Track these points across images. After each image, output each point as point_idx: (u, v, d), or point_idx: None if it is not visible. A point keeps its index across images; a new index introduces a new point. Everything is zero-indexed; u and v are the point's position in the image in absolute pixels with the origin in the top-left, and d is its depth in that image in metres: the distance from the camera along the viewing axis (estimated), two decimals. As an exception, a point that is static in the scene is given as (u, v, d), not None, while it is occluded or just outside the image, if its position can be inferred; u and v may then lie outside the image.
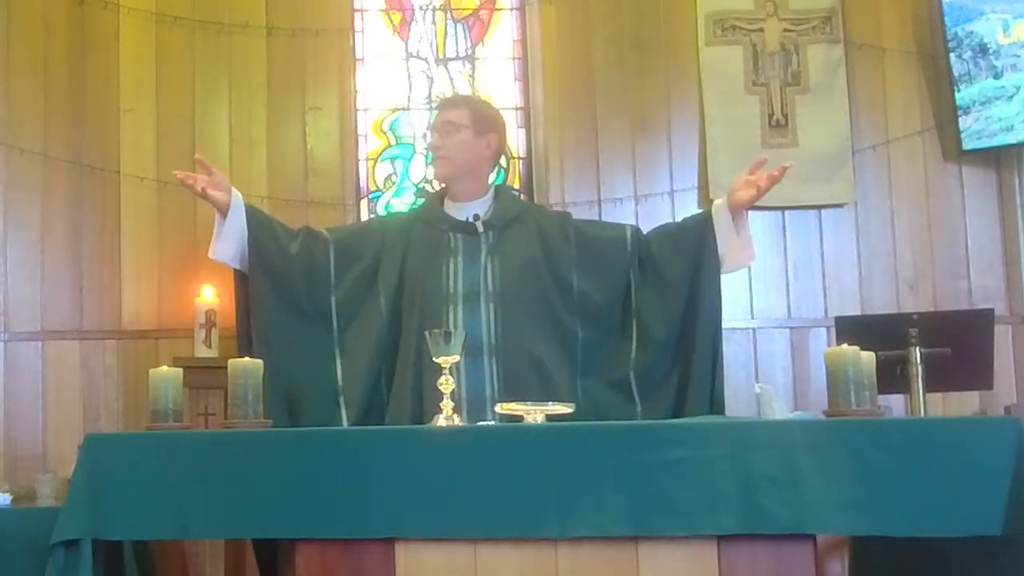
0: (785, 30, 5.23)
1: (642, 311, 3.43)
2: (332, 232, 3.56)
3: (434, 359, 2.94)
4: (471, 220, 3.47)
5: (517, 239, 3.48)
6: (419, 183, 5.21)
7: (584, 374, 3.40)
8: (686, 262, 3.41)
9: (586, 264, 3.47)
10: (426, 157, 5.11)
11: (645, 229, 3.63)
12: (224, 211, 3.38)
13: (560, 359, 3.38)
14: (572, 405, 2.99)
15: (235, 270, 3.45)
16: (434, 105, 5.20)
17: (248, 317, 3.38)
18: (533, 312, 3.40)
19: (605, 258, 3.49)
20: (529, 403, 2.96)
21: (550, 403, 2.98)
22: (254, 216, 3.44)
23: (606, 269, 3.48)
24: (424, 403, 3.24)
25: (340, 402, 3.33)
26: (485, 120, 3.56)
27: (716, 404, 3.36)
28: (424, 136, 3.46)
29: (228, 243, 3.39)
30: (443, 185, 3.63)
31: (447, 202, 3.55)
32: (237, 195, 3.42)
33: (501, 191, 3.64)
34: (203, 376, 4.39)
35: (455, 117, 3.51)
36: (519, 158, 5.28)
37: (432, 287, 3.40)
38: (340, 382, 3.36)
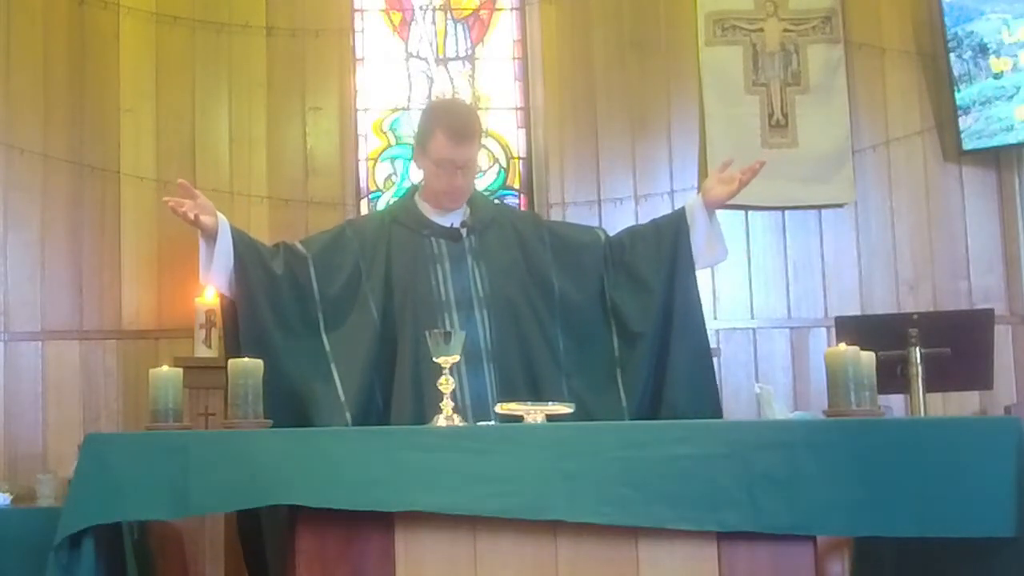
0: (785, 30, 5.23)
1: (620, 311, 3.46)
2: (308, 246, 3.47)
3: (434, 359, 2.95)
4: (455, 227, 3.47)
5: (497, 242, 3.49)
6: (419, 183, 5.20)
7: (569, 374, 3.41)
8: (662, 260, 3.46)
9: (564, 266, 3.50)
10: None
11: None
12: (211, 235, 3.29)
13: (547, 361, 3.40)
14: (572, 405, 3.00)
15: (222, 296, 3.39)
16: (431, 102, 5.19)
17: (240, 337, 3.31)
18: (520, 315, 3.41)
19: (581, 260, 3.52)
20: (529, 403, 2.97)
21: (550, 403, 2.98)
22: (240, 238, 3.36)
23: (583, 271, 3.50)
24: (425, 404, 3.24)
25: (343, 407, 3.30)
26: (482, 136, 3.60)
27: (712, 401, 3.40)
28: (426, 156, 3.33)
29: (220, 268, 3.30)
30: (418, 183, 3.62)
31: (425, 205, 3.52)
32: (223, 218, 3.35)
33: (473, 193, 3.63)
34: (203, 376, 4.39)
35: (473, 154, 3.46)
36: (519, 158, 5.29)
37: (422, 294, 3.38)
38: (340, 390, 3.33)
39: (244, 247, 3.35)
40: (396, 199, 4.03)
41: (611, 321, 3.46)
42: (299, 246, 3.48)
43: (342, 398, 3.30)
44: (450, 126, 3.39)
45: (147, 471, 2.69)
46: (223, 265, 3.31)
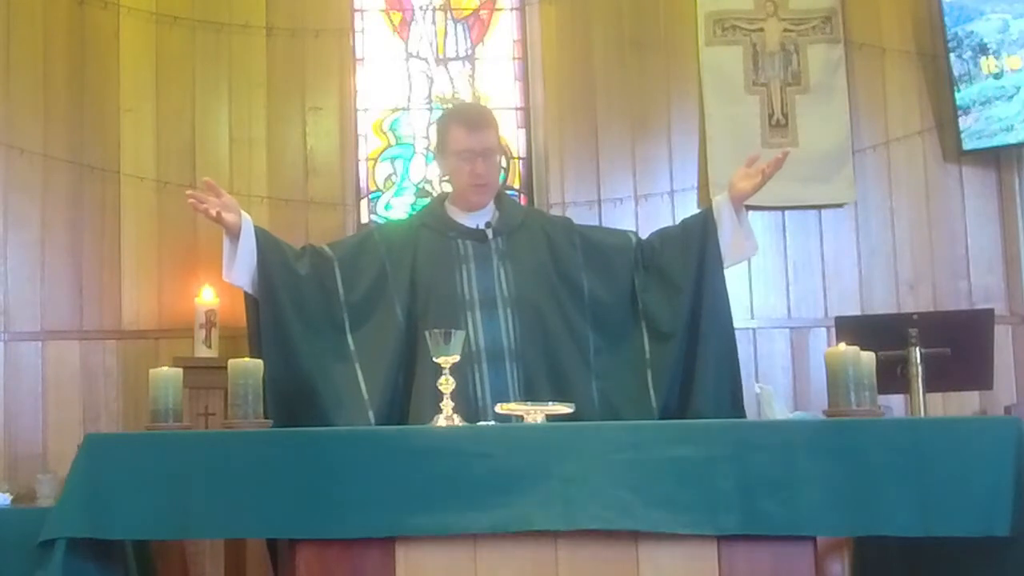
0: (785, 30, 5.23)
1: (650, 312, 3.48)
2: (334, 249, 3.53)
3: (433, 359, 2.95)
4: (482, 228, 3.48)
5: (525, 244, 3.50)
6: (419, 183, 5.21)
7: (599, 376, 3.42)
8: (690, 261, 3.47)
9: (594, 268, 3.52)
10: (421, 162, 5.12)
11: (645, 229, 3.68)
12: (235, 233, 3.34)
13: (576, 362, 3.42)
14: (572, 405, 3.00)
15: (246, 294, 3.41)
16: (436, 104, 5.20)
17: (261, 336, 3.34)
18: (547, 316, 3.42)
19: (612, 263, 3.54)
20: (529, 403, 2.98)
21: (550, 403, 2.99)
22: (264, 238, 3.40)
23: (613, 273, 3.53)
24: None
25: (367, 408, 3.31)
26: (499, 131, 3.61)
27: (736, 402, 3.43)
28: (430, 141, 3.36)
29: (243, 266, 3.34)
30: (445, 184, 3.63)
31: (453, 208, 3.55)
32: (247, 217, 3.39)
33: (501, 196, 3.65)
34: (203, 376, 4.39)
35: (492, 142, 3.50)
36: (519, 158, 5.28)
37: (445, 293, 3.40)
38: (364, 391, 3.34)
39: (267, 246, 3.39)
40: (426, 205, 4.03)
41: (642, 322, 3.48)
42: (326, 248, 3.53)
43: (365, 397, 3.32)
44: (464, 116, 3.53)
45: (140, 493, 2.70)
46: (246, 264, 3.35)
